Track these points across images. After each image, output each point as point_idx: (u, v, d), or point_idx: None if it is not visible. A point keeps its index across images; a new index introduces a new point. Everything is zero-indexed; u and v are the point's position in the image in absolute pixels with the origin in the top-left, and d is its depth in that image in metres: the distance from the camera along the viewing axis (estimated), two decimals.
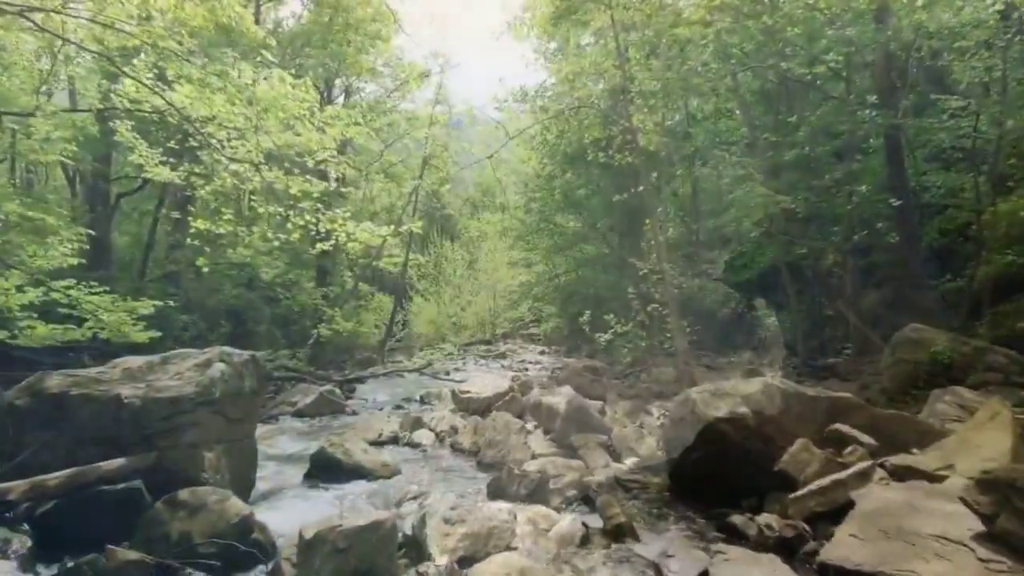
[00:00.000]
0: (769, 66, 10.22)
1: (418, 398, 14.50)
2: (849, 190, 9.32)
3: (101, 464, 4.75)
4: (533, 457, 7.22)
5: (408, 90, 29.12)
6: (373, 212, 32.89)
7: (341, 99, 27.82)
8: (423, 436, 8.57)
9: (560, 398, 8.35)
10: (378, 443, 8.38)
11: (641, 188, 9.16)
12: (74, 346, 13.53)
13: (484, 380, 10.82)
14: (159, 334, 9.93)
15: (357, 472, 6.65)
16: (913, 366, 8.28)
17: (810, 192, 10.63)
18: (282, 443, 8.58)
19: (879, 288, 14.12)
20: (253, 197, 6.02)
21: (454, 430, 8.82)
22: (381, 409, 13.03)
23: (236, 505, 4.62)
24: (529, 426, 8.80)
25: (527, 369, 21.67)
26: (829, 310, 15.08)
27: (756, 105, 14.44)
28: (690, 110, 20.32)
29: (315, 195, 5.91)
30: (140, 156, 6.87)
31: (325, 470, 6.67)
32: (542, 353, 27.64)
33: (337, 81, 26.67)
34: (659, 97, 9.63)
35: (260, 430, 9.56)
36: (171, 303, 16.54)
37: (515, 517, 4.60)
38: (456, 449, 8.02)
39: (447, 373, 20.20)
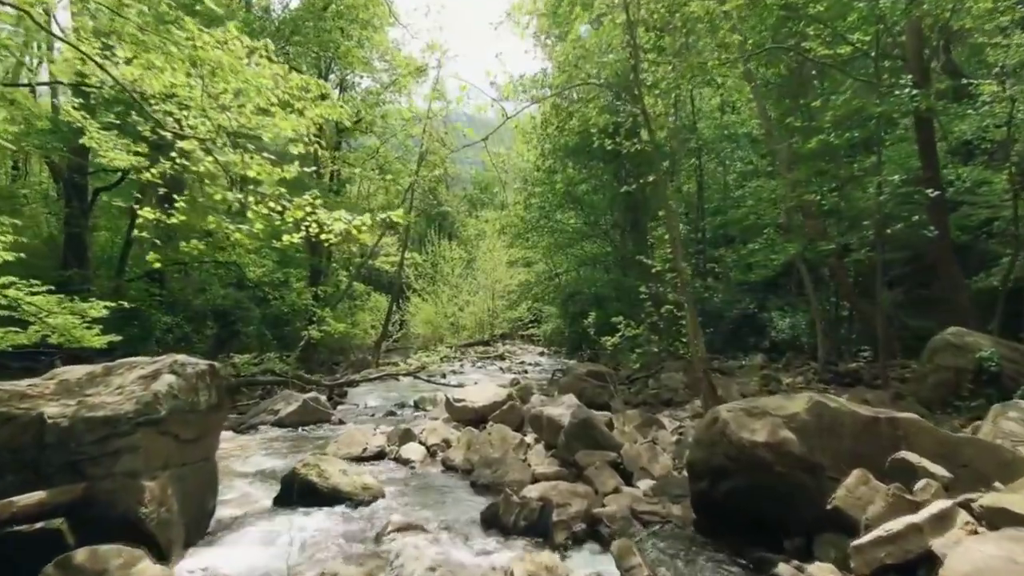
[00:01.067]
0: (788, 47, 9.42)
1: (412, 403, 13.81)
2: (879, 180, 8.50)
3: (15, 499, 3.94)
4: (534, 479, 6.41)
5: (405, 84, 28.40)
6: (368, 210, 32.17)
7: (336, 93, 27.11)
8: (412, 451, 7.76)
9: (563, 409, 7.55)
10: (362, 459, 7.58)
11: (651, 178, 8.33)
12: (47, 350, 12.80)
13: (481, 388, 9.99)
14: (119, 337, 9.05)
15: (334, 496, 5.83)
16: (955, 374, 7.50)
17: (832, 184, 9.83)
18: (257, 458, 7.76)
19: (889, 287, 13.40)
20: (207, 182, 5.17)
21: (446, 444, 8.02)
22: (373, 415, 12.31)
23: (148, 572, 3.78)
24: (529, 439, 8.00)
25: (526, 371, 20.96)
26: (844, 310, 14.39)
27: (769, 94, 13.67)
28: (695, 104, 19.56)
29: (284, 179, 5.09)
30: (90, 139, 6.05)
31: (298, 494, 5.85)
32: (541, 354, 26.96)
33: (331, 76, 25.91)
34: (670, 81, 8.83)
35: (237, 442, 8.81)
36: (153, 303, 15.90)
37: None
38: (448, 467, 7.20)
39: (443, 376, 19.44)
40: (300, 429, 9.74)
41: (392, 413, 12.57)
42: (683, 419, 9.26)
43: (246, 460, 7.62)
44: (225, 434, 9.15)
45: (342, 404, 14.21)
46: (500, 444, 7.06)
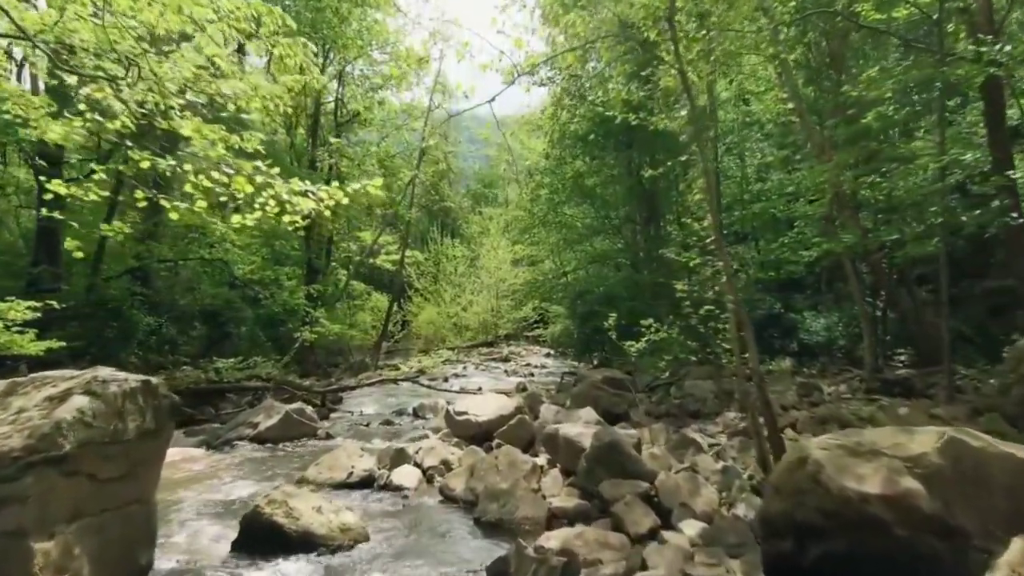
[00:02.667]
0: (836, 11, 8.25)
1: (411, 411, 12.78)
2: (943, 162, 7.34)
3: None
4: (550, 517, 5.30)
5: (406, 77, 27.35)
6: (367, 206, 31.15)
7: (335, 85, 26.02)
8: (406, 476, 6.63)
9: (582, 428, 6.42)
10: (347, 486, 6.46)
11: (689, 155, 7.17)
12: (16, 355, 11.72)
13: (486, 399, 8.84)
14: (61, 344, 7.98)
15: (305, 542, 4.71)
16: None
17: (883, 168, 8.67)
18: (225, 483, 6.65)
19: (918, 284, 12.26)
20: (130, 147, 4.06)
21: (446, 467, 6.89)
22: (367, 424, 11.26)
23: None
24: (541, 460, 6.88)
25: (532, 374, 19.85)
26: (878, 310, 13.24)
27: (798, 75, 12.51)
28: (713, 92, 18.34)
29: (232, 147, 3.99)
30: (15, 105, 4.95)
31: (261, 540, 4.73)
32: (548, 356, 25.85)
33: (330, 69, 24.81)
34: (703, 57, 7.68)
35: (207, 461, 7.70)
36: (134, 303, 14.80)
37: None
38: (447, 497, 6.08)
39: (445, 379, 18.35)
40: (281, 446, 8.62)
41: (389, 422, 11.51)
42: (715, 434, 8.13)
43: (211, 486, 6.51)
44: (195, 452, 8.08)
45: (336, 411, 13.20)
46: (508, 470, 5.93)
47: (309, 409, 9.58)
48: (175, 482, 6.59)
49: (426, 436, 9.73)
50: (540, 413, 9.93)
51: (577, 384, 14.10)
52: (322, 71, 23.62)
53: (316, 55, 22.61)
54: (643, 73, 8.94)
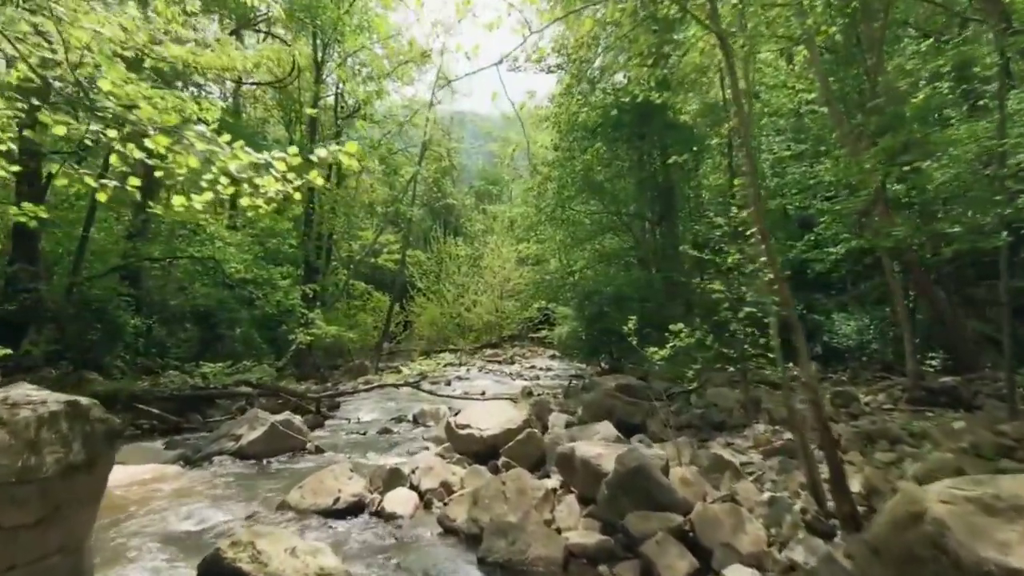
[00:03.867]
0: None
1: (411, 417, 12.06)
2: (1005, 145, 6.51)
3: None
4: (567, 556, 4.49)
5: (407, 70, 26.62)
6: (370, 204, 30.43)
7: (333, 79, 25.27)
8: (400, 501, 5.82)
9: (602, 448, 5.62)
10: (333, 513, 5.66)
11: (732, 121, 6.27)
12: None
13: (491, 410, 8.00)
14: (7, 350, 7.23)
15: None
16: None
17: (920, 158, 7.83)
18: (194, 510, 5.84)
19: (937, 285, 11.43)
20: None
21: (446, 489, 6.09)
22: (364, 433, 10.55)
23: None
24: (553, 482, 6.08)
25: (538, 377, 19.06)
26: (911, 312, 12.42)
27: (827, 58, 11.69)
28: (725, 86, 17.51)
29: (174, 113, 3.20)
30: None
31: None
32: (553, 358, 25.09)
33: (329, 64, 24.05)
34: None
35: (179, 481, 6.90)
36: (120, 304, 14.05)
37: None
38: (447, 528, 5.27)
39: (447, 383, 17.57)
40: (265, 462, 7.82)
41: (387, 431, 10.77)
42: (745, 449, 7.31)
43: (178, 513, 5.70)
44: (169, 469, 7.30)
45: (332, 418, 12.48)
46: (518, 498, 5.13)
47: (298, 420, 8.76)
48: (138, 506, 5.81)
49: (425, 448, 8.99)
50: (549, 423, 9.16)
51: (588, 391, 13.35)
52: (320, 64, 22.89)
53: (314, 45, 21.95)
54: (664, 49, 8.12)
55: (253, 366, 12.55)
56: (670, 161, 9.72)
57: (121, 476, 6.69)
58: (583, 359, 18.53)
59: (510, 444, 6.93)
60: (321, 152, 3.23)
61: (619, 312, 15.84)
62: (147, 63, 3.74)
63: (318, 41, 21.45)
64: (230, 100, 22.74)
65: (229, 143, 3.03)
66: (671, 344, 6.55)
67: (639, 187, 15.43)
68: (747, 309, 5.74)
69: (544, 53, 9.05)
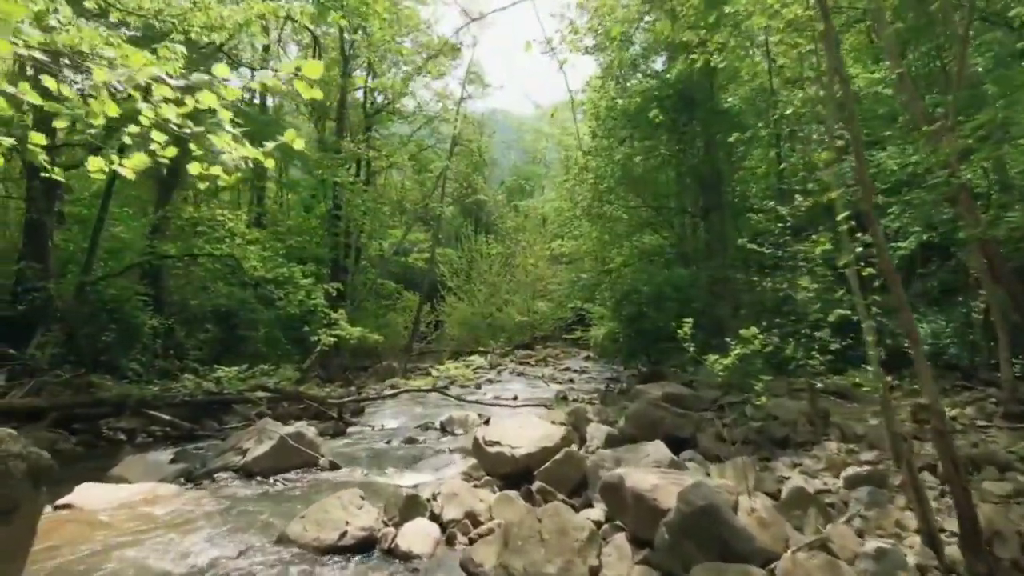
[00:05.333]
0: None
1: (438, 425, 11.35)
2: None
3: None
4: None
5: (438, 62, 25.90)
6: (399, 201, 29.78)
7: (359, 72, 24.63)
8: (418, 536, 4.95)
9: (658, 478, 4.68)
10: (338, 550, 4.83)
11: (836, 92, 5.20)
12: None
13: (523, 424, 7.05)
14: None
15: None
16: None
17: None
18: (180, 544, 5.04)
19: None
20: None
21: (472, 521, 5.20)
22: (388, 442, 9.93)
23: None
24: (597, 512, 5.17)
25: (571, 380, 18.11)
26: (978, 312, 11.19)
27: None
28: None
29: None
30: None
31: None
32: (587, 359, 24.09)
33: (358, 60, 23.40)
34: None
35: (175, 503, 6.12)
36: (137, 304, 13.49)
37: None
38: (472, 574, 4.38)
39: (478, 386, 16.71)
40: (272, 480, 7.02)
41: (412, 440, 10.01)
42: (817, 472, 6.29)
43: (161, 548, 4.91)
44: (164, 489, 6.54)
45: (355, 424, 11.83)
46: (557, 539, 4.22)
47: (312, 431, 7.92)
48: (119, 536, 5.04)
49: (452, 462, 8.17)
50: (588, 434, 8.26)
51: (625, 394, 12.37)
52: (347, 59, 22.21)
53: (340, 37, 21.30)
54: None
55: (272, 370, 11.83)
56: (734, 136, 8.73)
57: (110, 497, 5.99)
58: (620, 362, 17.55)
59: (546, 466, 6.01)
60: (266, 77, 2.35)
61: (658, 313, 14.86)
62: (113, 16, 2.98)
63: (344, 34, 20.72)
64: (254, 94, 22.25)
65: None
66: (736, 351, 5.57)
67: (680, 179, 14.37)
68: (837, 311, 4.75)
69: (579, 31, 8.14)
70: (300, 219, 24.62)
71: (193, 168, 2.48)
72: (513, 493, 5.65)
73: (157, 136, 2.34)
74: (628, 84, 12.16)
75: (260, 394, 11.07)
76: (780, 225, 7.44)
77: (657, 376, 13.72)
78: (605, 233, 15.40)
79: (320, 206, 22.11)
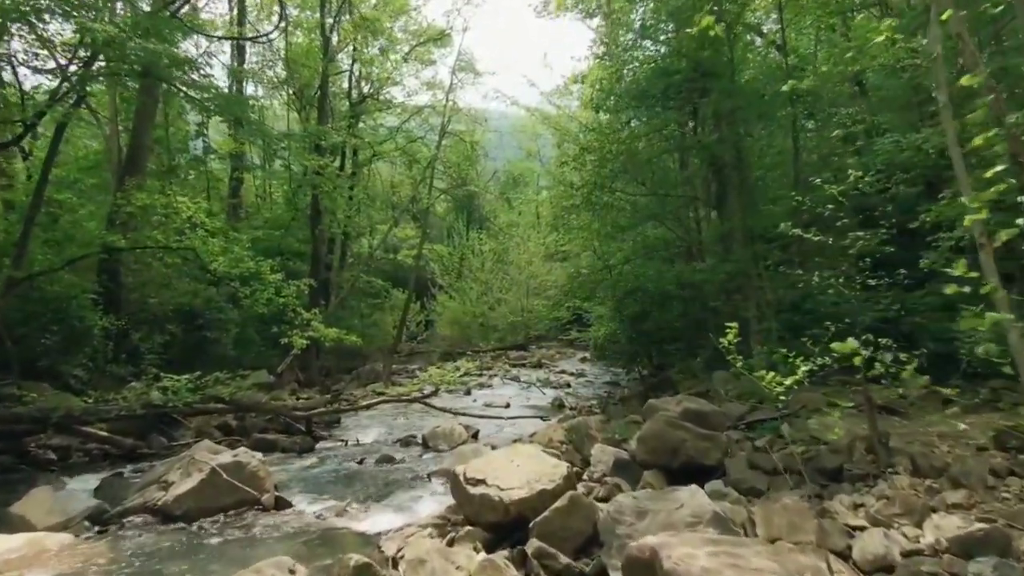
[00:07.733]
0: None
1: (420, 439, 10.05)
2: None
3: None
4: None
5: (427, 52, 24.57)
6: (388, 195, 28.35)
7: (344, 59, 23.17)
8: None
9: (706, 554, 3.25)
10: None
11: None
12: None
13: (515, 458, 5.49)
14: None
15: None
16: None
17: None
18: None
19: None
20: None
21: None
22: (360, 462, 8.81)
23: None
24: None
25: (569, 384, 16.80)
26: None
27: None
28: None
29: None
30: None
31: None
32: (584, 361, 22.76)
33: (337, 41, 21.88)
34: None
35: (60, 562, 4.68)
36: (85, 302, 11.99)
37: None
38: None
39: (467, 391, 15.35)
40: (196, 526, 5.50)
41: (388, 459, 8.74)
42: (891, 518, 4.81)
43: None
44: (53, 540, 5.06)
45: (326, 437, 10.49)
46: None
47: (254, 460, 6.35)
48: None
49: (430, 493, 6.79)
50: (592, 457, 6.85)
51: (632, 408, 10.93)
52: (327, 39, 20.73)
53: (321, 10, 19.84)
54: None
55: (231, 377, 10.37)
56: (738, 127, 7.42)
57: None
58: (623, 365, 16.20)
59: (544, 515, 4.52)
60: None
61: (664, 312, 13.47)
62: None
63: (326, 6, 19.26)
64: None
65: None
66: (806, 367, 4.17)
67: (689, 164, 12.98)
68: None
69: None
70: (279, 211, 23.21)
71: None
72: (500, 556, 4.20)
73: None
74: (634, 54, 10.78)
75: (212, 405, 9.60)
76: (831, 208, 6.09)
77: (666, 383, 12.35)
78: (607, 224, 14.02)
79: (304, 199, 20.68)
